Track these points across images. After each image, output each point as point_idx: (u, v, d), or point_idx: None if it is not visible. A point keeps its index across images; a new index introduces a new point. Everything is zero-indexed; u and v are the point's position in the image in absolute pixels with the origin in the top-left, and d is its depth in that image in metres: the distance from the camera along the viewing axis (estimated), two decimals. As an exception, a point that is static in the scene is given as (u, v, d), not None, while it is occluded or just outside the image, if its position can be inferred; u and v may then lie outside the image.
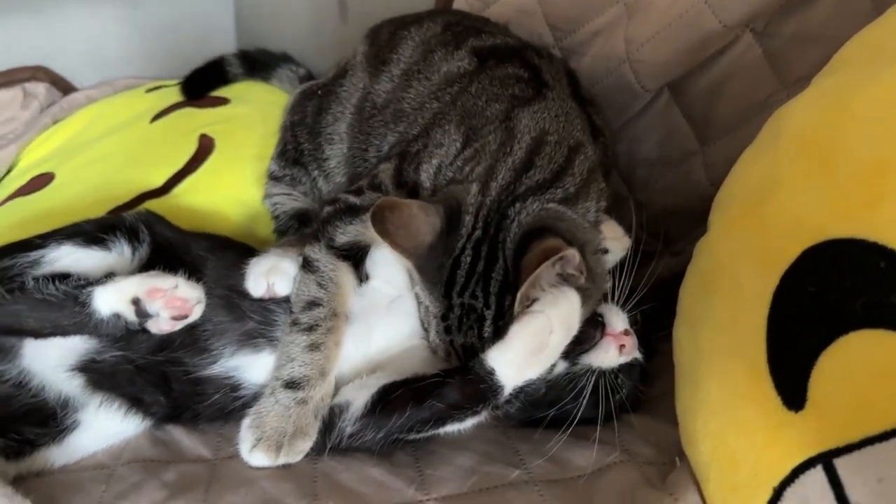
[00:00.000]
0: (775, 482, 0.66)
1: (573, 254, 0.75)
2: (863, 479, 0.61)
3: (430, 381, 0.83)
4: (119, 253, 0.92)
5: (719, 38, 1.00)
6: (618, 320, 0.86)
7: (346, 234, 0.95)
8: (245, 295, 0.93)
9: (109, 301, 0.82)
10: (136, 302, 0.82)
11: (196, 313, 0.85)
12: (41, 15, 1.57)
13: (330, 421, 0.87)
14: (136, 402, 0.91)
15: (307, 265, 0.94)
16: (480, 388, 0.80)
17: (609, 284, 0.86)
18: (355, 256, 0.95)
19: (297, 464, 0.87)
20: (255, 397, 0.90)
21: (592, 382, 0.84)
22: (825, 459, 0.63)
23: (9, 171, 1.46)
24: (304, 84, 1.38)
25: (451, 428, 0.85)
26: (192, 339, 0.90)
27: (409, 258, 0.84)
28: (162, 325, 0.83)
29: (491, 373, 0.80)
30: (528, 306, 0.77)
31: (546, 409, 0.86)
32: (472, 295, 0.81)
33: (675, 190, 1.08)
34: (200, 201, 1.29)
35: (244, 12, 1.75)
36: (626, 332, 0.85)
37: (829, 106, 0.75)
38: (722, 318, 0.76)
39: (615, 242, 0.86)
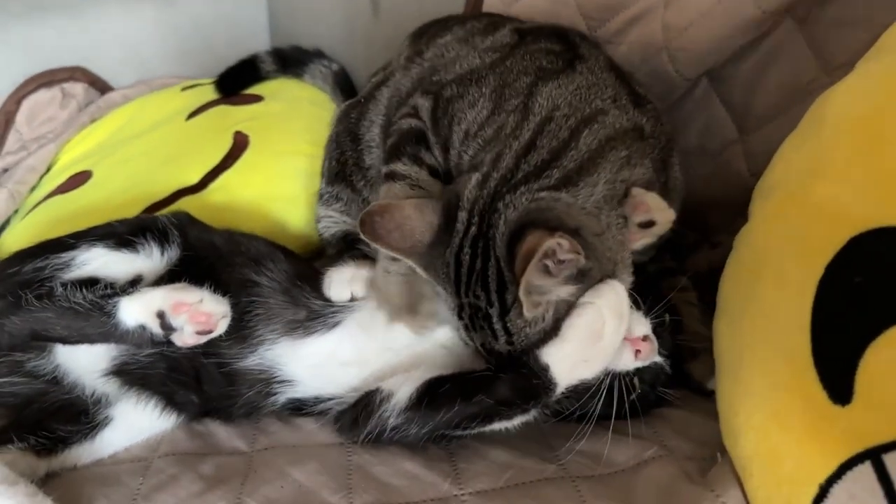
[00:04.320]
0: (822, 478, 0.64)
1: (554, 244, 0.71)
2: (915, 474, 0.59)
3: (480, 375, 0.82)
4: (148, 255, 0.93)
5: (759, 25, 0.97)
6: (638, 325, 0.83)
7: (430, 157, 0.96)
8: (307, 278, 0.95)
9: (134, 313, 0.82)
10: (160, 315, 0.82)
11: (221, 328, 0.85)
12: (79, 16, 1.60)
13: (369, 408, 0.86)
14: (170, 401, 0.92)
15: (394, 177, 0.95)
16: (533, 384, 0.79)
17: (630, 279, 0.82)
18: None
19: (329, 456, 0.87)
20: (286, 402, 0.92)
21: (607, 384, 0.83)
22: (874, 455, 0.61)
23: (48, 170, 1.48)
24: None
25: (498, 426, 0.83)
26: (238, 324, 0.90)
27: (409, 258, 0.83)
28: (186, 338, 0.83)
29: (545, 369, 0.78)
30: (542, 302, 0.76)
31: (561, 405, 0.85)
32: (475, 294, 0.79)
33: (714, 180, 1.06)
34: (235, 197, 1.30)
35: (278, 10, 1.76)
36: (644, 338, 0.83)
37: (873, 91, 0.72)
38: (764, 309, 0.74)
39: (659, 213, 0.82)
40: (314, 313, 0.92)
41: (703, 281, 0.98)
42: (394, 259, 0.88)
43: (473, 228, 0.79)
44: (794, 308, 0.69)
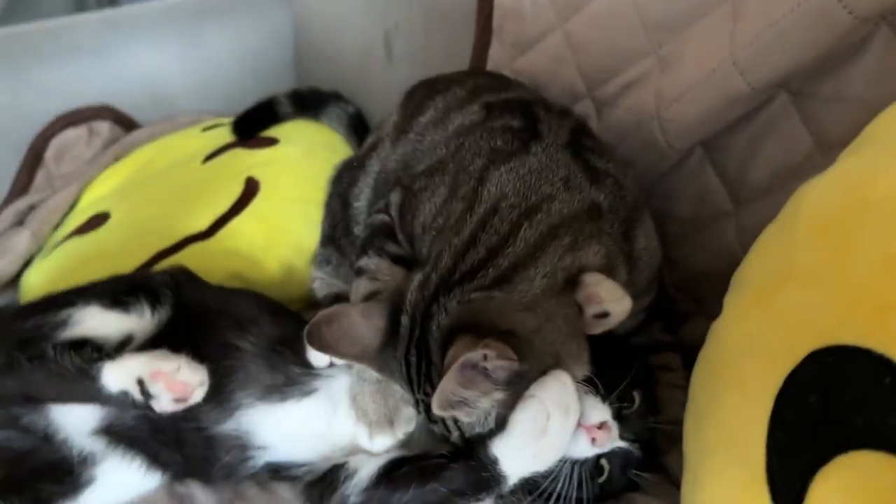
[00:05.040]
0: None
1: (478, 356, 0.70)
2: None
3: (436, 462, 0.82)
4: (140, 315, 0.95)
5: (748, 100, 0.94)
6: (593, 412, 0.82)
7: (397, 248, 0.96)
8: (289, 343, 0.95)
9: (116, 379, 0.84)
10: (140, 382, 0.84)
11: (197, 397, 0.86)
12: (106, 55, 1.65)
13: (333, 484, 0.87)
14: (154, 460, 0.94)
15: (360, 273, 0.96)
16: (483, 476, 0.79)
17: (584, 368, 0.80)
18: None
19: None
20: (263, 465, 0.92)
21: (569, 471, 0.81)
22: (817, 585, 0.59)
23: (71, 209, 1.53)
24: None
25: None
26: (216, 391, 0.91)
27: (361, 362, 0.83)
28: (164, 405, 0.85)
29: (494, 462, 0.78)
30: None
31: (527, 495, 0.83)
32: (424, 392, 0.79)
33: (707, 251, 1.03)
34: (243, 245, 1.32)
35: (302, 49, 1.79)
36: (601, 426, 0.81)
37: (848, 190, 0.69)
38: (725, 414, 0.71)
39: (614, 304, 0.81)
40: (291, 380, 0.93)
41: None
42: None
43: (417, 331, 0.79)
44: (753, 420, 0.67)
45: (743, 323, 0.74)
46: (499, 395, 0.76)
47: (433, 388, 0.77)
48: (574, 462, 0.82)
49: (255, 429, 0.92)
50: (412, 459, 0.84)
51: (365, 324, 0.82)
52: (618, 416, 0.84)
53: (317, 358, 0.94)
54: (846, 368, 0.61)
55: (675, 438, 0.90)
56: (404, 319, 0.81)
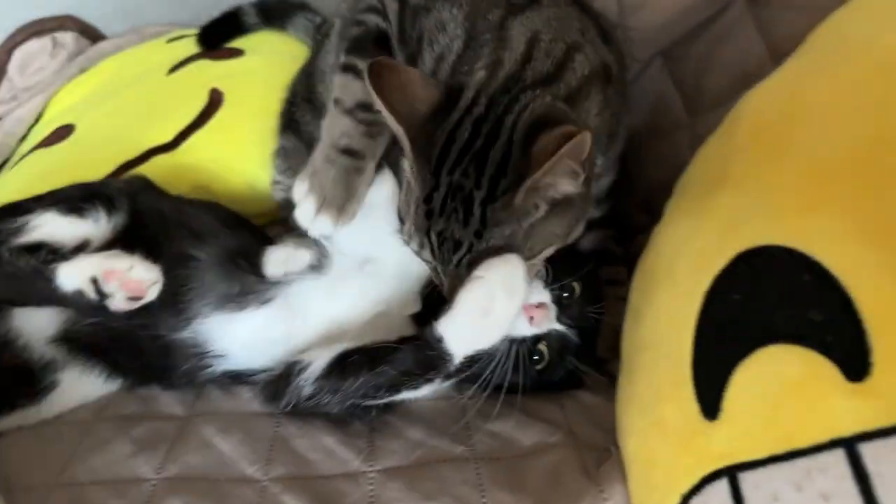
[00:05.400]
0: (684, 489, 0.66)
1: (587, 137, 0.69)
2: (763, 496, 0.60)
3: (385, 347, 0.85)
4: (95, 221, 0.96)
5: (707, 5, 0.93)
6: (533, 293, 0.85)
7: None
8: (246, 255, 0.97)
9: (71, 278, 0.86)
10: (94, 281, 0.85)
11: (151, 294, 0.88)
12: (70, -37, 1.61)
13: (288, 378, 0.90)
14: (115, 367, 0.96)
15: (354, 71, 0.92)
16: (430, 355, 0.81)
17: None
18: None
19: (256, 426, 0.91)
20: (222, 373, 0.95)
21: (506, 351, 0.85)
22: (731, 473, 0.62)
23: (37, 121, 1.52)
24: None
25: (407, 395, 0.87)
26: (172, 300, 0.93)
27: (401, 124, 0.78)
28: (119, 304, 0.86)
29: (440, 340, 0.81)
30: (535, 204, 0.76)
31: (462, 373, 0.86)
32: (463, 173, 0.76)
33: (663, 163, 1.03)
34: (207, 157, 1.31)
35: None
36: (538, 305, 0.85)
37: (785, 96, 0.70)
38: (658, 313, 0.74)
39: None
40: (247, 289, 0.95)
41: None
42: (344, 152, 0.90)
43: (479, 108, 0.78)
44: (682, 317, 0.70)
45: (679, 226, 0.76)
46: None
47: (478, 170, 0.76)
48: (512, 340, 0.85)
49: (212, 337, 0.94)
50: (362, 349, 0.87)
51: (422, 85, 0.80)
52: (557, 301, 0.88)
53: (272, 270, 0.95)
54: (770, 267, 0.63)
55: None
56: (467, 94, 0.79)
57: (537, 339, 0.88)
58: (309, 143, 1.20)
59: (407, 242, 0.83)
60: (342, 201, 0.90)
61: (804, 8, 0.86)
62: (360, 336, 0.92)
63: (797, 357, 0.59)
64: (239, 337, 0.94)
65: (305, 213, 0.89)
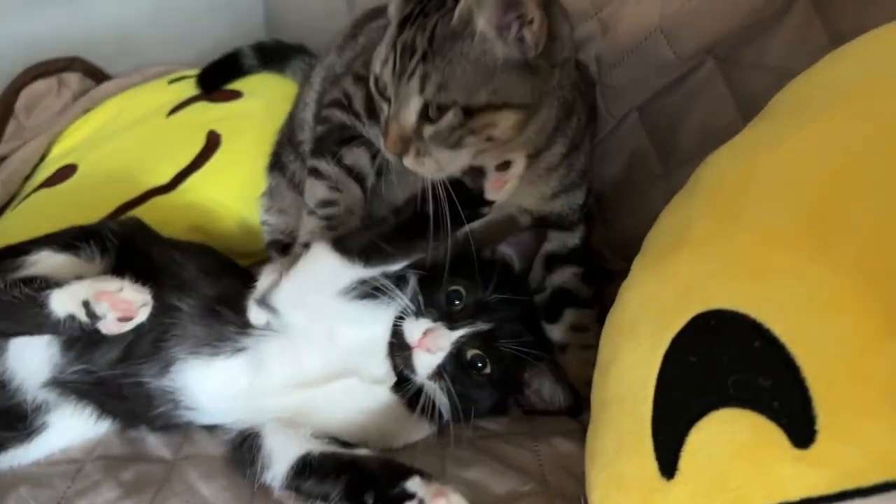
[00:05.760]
0: (641, 546, 0.67)
1: None
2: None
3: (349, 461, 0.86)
4: (89, 259, 1.00)
5: (676, 67, 0.96)
6: (413, 329, 0.91)
7: (352, 155, 1.01)
8: (228, 302, 0.99)
9: (63, 303, 0.89)
10: (86, 304, 0.88)
11: (141, 316, 0.90)
12: (76, 5, 1.66)
13: (249, 449, 0.92)
14: (104, 410, 0.99)
15: (316, 174, 1.01)
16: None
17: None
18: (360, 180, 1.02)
19: (240, 479, 0.92)
20: (196, 422, 0.98)
21: (443, 387, 0.92)
22: (685, 532, 0.64)
23: (41, 160, 1.56)
24: None
25: None
26: (153, 347, 0.96)
27: None
28: (110, 325, 0.89)
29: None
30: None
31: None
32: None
33: (639, 213, 1.05)
34: (203, 198, 1.36)
35: (271, 2, 1.79)
36: (424, 335, 0.90)
37: (739, 163, 0.73)
38: (622, 369, 0.76)
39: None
40: (223, 337, 0.97)
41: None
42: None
43: None
44: (643, 375, 0.72)
45: (643, 284, 0.78)
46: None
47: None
48: (438, 375, 0.91)
49: (186, 384, 0.96)
50: (324, 457, 0.88)
51: None
52: (448, 314, 0.93)
53: (256, 315, 0.98)
54: (723, 331, 0.66)
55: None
56: None
57: (458, 355, 0.92)
58: (291, 181, 1.26)
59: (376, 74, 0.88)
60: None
61: (773, 69, 0.89)
62: (327, 404, 0.94)
63: (747, 421, 0.61)
64: (208, 387, 0.96)
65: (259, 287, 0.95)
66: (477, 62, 0.80)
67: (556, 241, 1.06)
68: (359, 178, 1.02)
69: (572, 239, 1.06)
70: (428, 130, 0.83)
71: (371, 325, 0.95)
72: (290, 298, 0.93)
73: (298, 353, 0.96)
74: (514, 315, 0.96)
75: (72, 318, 0.89)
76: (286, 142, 1.30)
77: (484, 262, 0.98)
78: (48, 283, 0.92)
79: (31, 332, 0.93)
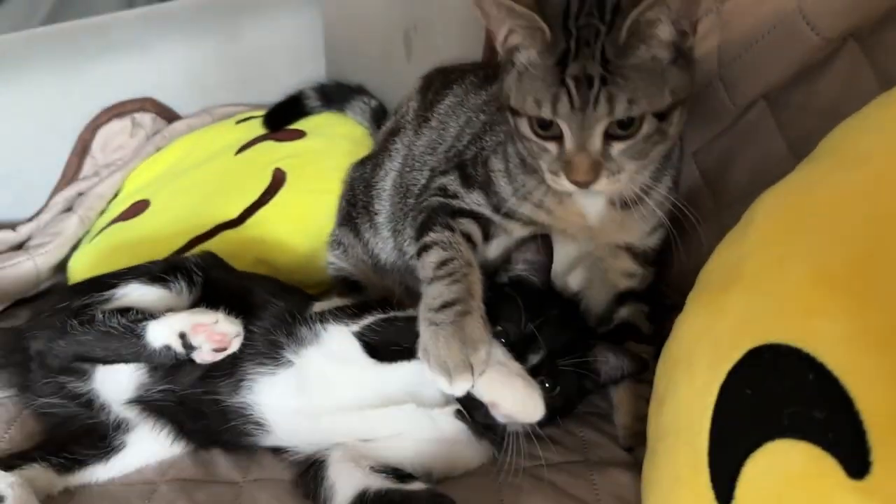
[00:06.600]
0: (700, 574, 0.69)
1: None
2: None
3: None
4: (178, 292, 1.07)
5: (731, 112, 0.99)
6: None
7: (459, 225, 1.03)
8: (293, 312, 1.05)
9: (160, 334, 0.95)
10: (182, 336, 0.94)
11: (234, 346, 0.96)
12: (149, 50, 1.75)
13: (315, 477, 0.95)
14: (181, 430, 1.05)
15: (425, 248, 1.00)
16: None
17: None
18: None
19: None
20: (266, 443, 1.03)
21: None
22: (744, 561, 0.66)
23: (115, 196, 1.66)
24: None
25: None
26: (230, 366, 1.01)
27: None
28: (205, 355, 0.95)
29: None
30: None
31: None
32: (588, 13, 0.86)
33: (693, 251, 1.08)
34: (270, 232, 1.43)
35: (331, 46, 1.87)
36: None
37: (793, 202, 0.75)
38: (678, 401, 0.79)
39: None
40: (280, 351, 1.01)
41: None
42: (442, 308, 0.93)
43: None
44: (700, 407, 0.74)
45: (698, 319, 0.81)
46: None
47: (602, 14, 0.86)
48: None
49: (255, 400, 1.01)
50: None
51: None
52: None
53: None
54: (778, 364, 0.68)
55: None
56: None
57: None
58: (365, 246, 1.33)
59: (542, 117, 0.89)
60: (464, 356, 0.90)
61: (821, 112, 0.92)
62: (387, 430, 0.97)
63: (803, 452, 0.63)
64: (271, 402, 1.00)
65: (443, 388, 0.91)
66: (651, 69, 0.86)
67: (639, 278, 1.09)
68: (469, 240, 1.03)
69: (650, 276, 1.10)
70: (618, 147, 0.88)
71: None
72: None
73: (345, 372, 1.00)
74: (557, 330, 0.99)
75: (167, 348, 0.95)
76: (360, 207, 1.34)
77: (509, 295, 1.00)
78: (144, 315, 0.99)
79: (126, 361, 0.99)
